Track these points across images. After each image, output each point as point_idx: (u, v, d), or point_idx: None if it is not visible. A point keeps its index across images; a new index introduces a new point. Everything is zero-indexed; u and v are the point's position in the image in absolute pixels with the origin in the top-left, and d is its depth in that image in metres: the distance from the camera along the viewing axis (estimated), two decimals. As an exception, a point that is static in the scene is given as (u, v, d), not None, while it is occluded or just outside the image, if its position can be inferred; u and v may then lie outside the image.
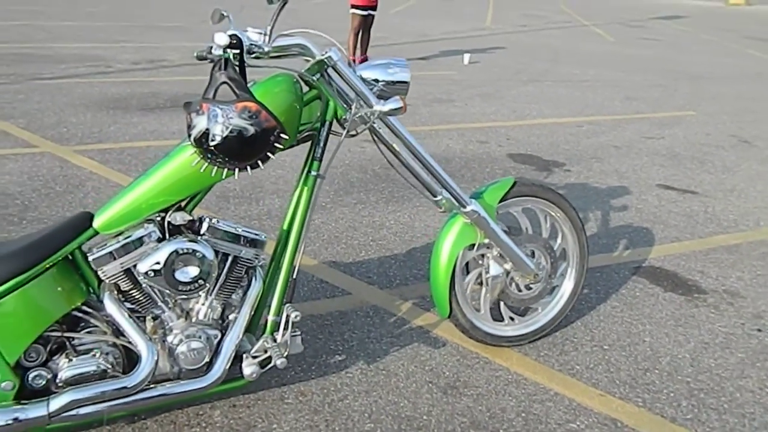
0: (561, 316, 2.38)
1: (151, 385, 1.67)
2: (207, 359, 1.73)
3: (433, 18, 15.45)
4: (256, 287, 1.82)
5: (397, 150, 2.02)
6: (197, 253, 1.67)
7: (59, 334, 1.66)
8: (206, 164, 1.63)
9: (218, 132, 1.53)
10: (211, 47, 1.66)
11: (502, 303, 2.31)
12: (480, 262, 2.23)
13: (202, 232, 1.73)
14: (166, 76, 7.08)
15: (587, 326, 2.53)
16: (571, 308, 2.42)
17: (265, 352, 1.81)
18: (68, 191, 3.62)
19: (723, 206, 4.01)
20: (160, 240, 1.70)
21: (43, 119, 5.06)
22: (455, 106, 6.37)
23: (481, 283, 2.25)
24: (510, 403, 2.05)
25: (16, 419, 1.52)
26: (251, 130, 1.55)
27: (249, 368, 1.76)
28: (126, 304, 1.70)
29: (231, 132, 1.53)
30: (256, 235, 1.79)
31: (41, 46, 8.47)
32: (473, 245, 2.17)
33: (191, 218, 1.75)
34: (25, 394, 1.62)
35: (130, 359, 1.74)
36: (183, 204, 1.76)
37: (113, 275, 1.66)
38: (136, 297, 1.70)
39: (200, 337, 1.73)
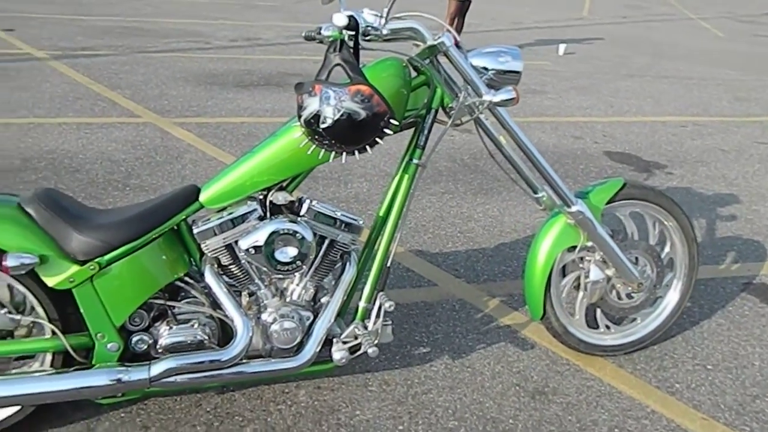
0: (662, 329, 2.23)
1: (244, 361, 1.70)
2: (299, 340, 1.74)
3: (528, 5, 14.97)
4: (350, 272, 1.80)
5: (501, 142, 1.94)
6: (297, 234, 1.67)
7: (162, 302, 1.71)
8: (313, 146, 1.62)
9: (329, 114, 1.51)
10: (320, 28, 1.64)
11: (598, 310, 2.19)
12: (580, 265, 2.12)
13: (301, 213, 1.73)
14: (261, 54, 7.24)
15: (689, 343, 2.36)
16: (674, 322, 2.26)
17: (355, 338, 1.80)
18: (167, 162, 3.77)
19: None
20: (261, 218, 1.71)
21: (147, 91, 5.30)
22: (549, 98, 6.14)
23: (578, 287, 2.14)
24: (602, 416, 1.95)
25: (119, 380, 1.59)
26: (362, 114, 1.52)
27: (339, 353, 1.76)
28: (224, 278, 1.73)
29: (342, 115, 1.51)
30: (354, 220, 1.77)
31: (148, 20, 8.87)
32: (574, 247, 2.06)
33: (292, 199, 1.75)
34: (127, 356, 1.69)
35: (224, 332, 1.78)
36: (285, 184, 1.77)
37: (215, 249, 1.69)
38: (235, 272, 1.72)
39: (293, 318, 1.74)
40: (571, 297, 2.18)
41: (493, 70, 1.85)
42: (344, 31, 1.55)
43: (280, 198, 1.73)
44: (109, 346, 1.64)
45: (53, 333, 1.62)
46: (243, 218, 1.69)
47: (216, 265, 1.72)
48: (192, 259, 1.77)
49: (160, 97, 5.12)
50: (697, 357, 2.28)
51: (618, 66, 8.23)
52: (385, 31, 1.66)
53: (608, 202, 2.06)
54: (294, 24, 9.57)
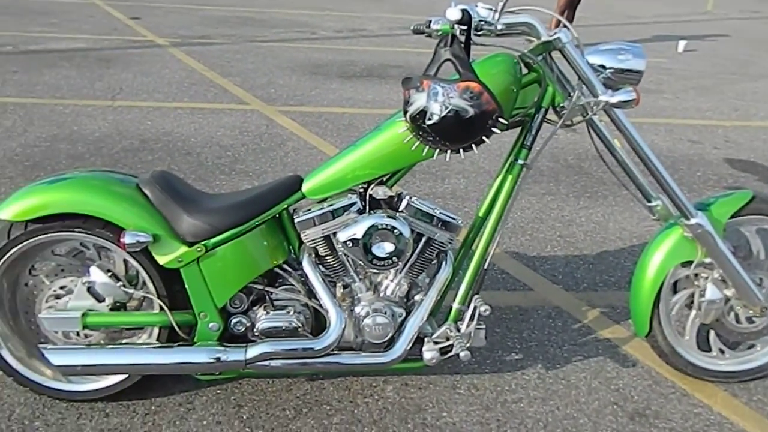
0: (786, 359, 2.02)
1: (335, 352, 1.71)
2: (390, 336, 1.73)
3: (644, -2, 14.12)
4: (445, 271, 1.77)
5: (615, 146, 1.82)
6: (395, 230, 1.65)
7: (261, 287, 1.76)
8: (417, 142, 1.60)
9: (436, 111, 1.47)
10: (430, 21, 1.60)
11: (712, 332, 2.02)
12: (695, 282, 1.96)
13: (400, 208, 1.71)
14: (364, 45, 7.32)
15: (817, 377, 2.12)
16: (800, 353, 2.04)
17: (447, 339, 1.76)
18: (271, 149, 3.89)
19: None
20: (360, 212, 1.71)
21: (255, 79, 5.50)
22: (665, 98, 5.75)
23: (690, 306, 1.98)
24: (710, 448, 1.79)
25: (218, 359, 1.65)
26: (471, 111, 1.47)
27: (429, 353, 1.73)
28: (321, 268, 1.75)
29: (449, 112, 1.47)
30: (453, 218, 1.73)
31: (259, 11, 9.23)
32: (689, 262, 1.90)
33: (392, 194, 1.74)
34: (226, 337, 1.75)
35: (317, 321, 1.80)
36: (385, 179, 1.76)
37: (314, 239, 1.71)
38: (332, 263, 1.74)
39: (386, 313, 1.73)
40: (682, 315, 2.02)
41: (611, 68, 1.74)
42: (456, 26, 1.51)
43: (380, 192, 1.73)
44: (210, 325, 1.71)
45: (161, 308, 1.71)
46: (343, 210, 1.70)
47: (314, 255, 1.75)
48: (291, 247, 1.80)
49: (268, 86, 5.31)
50: (825, 394, 2.04)
51: (745, 65, 7.57)
52: (499, 27, 1.60)
53: (732, 216, 1.89)
54: (399, 16, 9.60)
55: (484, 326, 1.78)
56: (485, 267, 1.79)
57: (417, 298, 1.79)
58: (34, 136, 3.83)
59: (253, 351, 1.66)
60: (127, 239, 1.59)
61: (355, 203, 1.71)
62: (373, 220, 1.66)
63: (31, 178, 3.23)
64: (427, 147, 1.60)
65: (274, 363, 1.67)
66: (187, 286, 1.68)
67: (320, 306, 1.76)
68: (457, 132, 1.50)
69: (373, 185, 1.74)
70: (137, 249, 1.61)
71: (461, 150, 1.56)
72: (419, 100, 1.50)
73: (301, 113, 4.63)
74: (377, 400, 1.89)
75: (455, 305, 1.80)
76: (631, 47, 1.76)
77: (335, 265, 1.74)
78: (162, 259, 1.65)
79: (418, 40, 7.59)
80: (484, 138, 1.53)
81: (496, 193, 1.79)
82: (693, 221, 1.82)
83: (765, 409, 1.95)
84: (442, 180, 3.54)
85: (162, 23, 7.85)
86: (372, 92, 5.32)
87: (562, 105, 1.76)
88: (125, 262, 1.77)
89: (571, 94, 1.73)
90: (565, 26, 1.70)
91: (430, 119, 1.49)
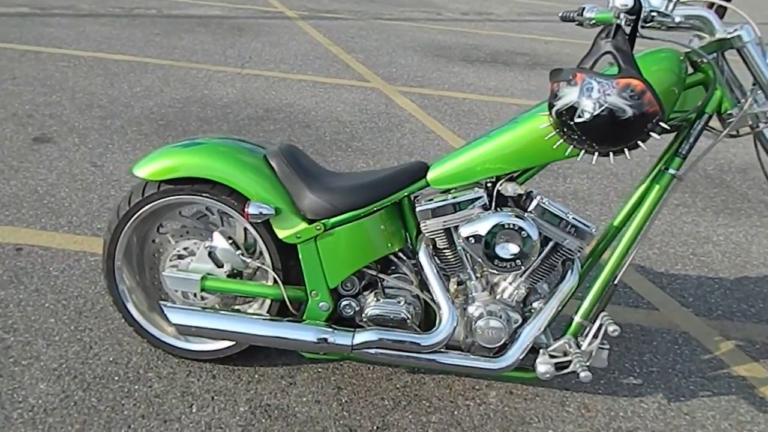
0: None
1: (443, 350, 1.64)
2: (503, 341, 1.63)
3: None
4: (570, 281, 1.63)
5: (787, 163, 1.59)
6: (522, 231, 1.54)
7: (374, 272, 1.72)
8: (560, 140, 1.46)
9: (588, 108, 1.33)
10: (583, 9, 1.45)
11: None
12: None
13: (529, 208, 1.59)
14: (490, 30, 7.09)
15: None
16: None
17: (564, 354, 1.63)
18: (388, 129, 3.86)
19: None
20: (485, 207, 1.61)
21: (378, 57, 5.49)
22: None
23: None
24: None
25: (325, 340, 1.63)
26: (629, 112, 1.32)
27: (544, 366, 1.62)
28: (436, 260, 1.67)
29: (603, 111, 1.32)
30: (586, 225, 1.58)
31: (386, -12, 9.21)
32: None
33: (522, 192, 1.62)
34: (334, 318, 1.73)
35: (427, 315, 1.74)
36: (515, 175, 1.64)
37: (433, 231, 1.63)
38: (449, 257, 1.66)
39: (501, 317, 1.63)
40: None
41: (796, 74, 1.50)
42: (622, 15, 1.35)
43: (510, 189, 1.61)
44: (320, 304, 1.69)
45: (275, 282, 1.71)
46: (467, 204, 1.61)
47: (431, 247, 1.67)
48: (408, 236, 1.74)
49: (389, 65, 5.27)
50: None
51: None
52: (677, 19, 1.42)
53: None
54: (528, 1, 9.21)
55: (607, 346, 1.63)
56: (615, 282, 1.64)
57: (535, 305, 1.67)
58: (169, 96, 4.04)
59: (360, 337, 1.63)
60: (251, 209, 1.59)
61: (481, 198, 1.61)
62: (499, 219, 1.55)
63: (164, 136, 3.41)
64: (571, 146, 1.46)
65: (379, 352, 1.63)
66: (301, 263, 1.67)
67: (432, 300, 1.69)
68: (609, 133, 1.35)
69: (502, 181, 1.63)
70: (259, 220, 1.61)
71: (611, 153, 1.41)
72: (570, 95, 1.36)
73: (421, 95, 4.55)
74: (479, 404, 1.81)
75: (577, 318, 1.66)
76: None
77: (452, 260, 1.66)
78: (281, 233, 1.65)
79: (546, 27, 7.24)
80: (639, 142, 1.37)
81: (637, 202, 1.62)
82: None
83: None
84: (564, 179, 3.34)
85: (293, -4, 8.03)
86: (495, 79, 5.14)
87: (729, 112, 1.55)
88: (245, 230, 1.79)
89: (741, 100, 1.52)
90: (747, 23, 1.49)
91: (579, 117, 1.35)
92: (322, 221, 1.64)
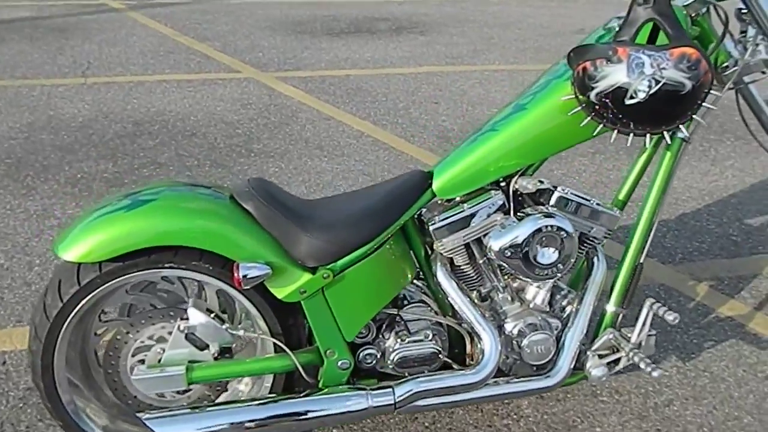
0: None
1: (492, 380, 1.43)
2: (552, 354, 1.46)
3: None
4: (600, 270, 1.51)
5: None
6: (560, 232, 1.36)
7: (390, 310, 1.45)
8: (588, 118, 1.29)
9: (643, 87, 1.17)
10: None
11: None
12: None
13: (551, 203, 1.42)
14: (340, -3, 6.80)
15: None
16: None
17: (613, 350, 1.51)
18: (284, 122, 3.49)
19: None
20: (506, 212, 1.41)
21: (237, 42, 4.98)
22: None
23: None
24: None
25: (364, 407, 1.34)
26: (688, 84, 1.17)
27: (598, 369, 1.48)
28: (453, 280, 1.45)
29: (661, 87, 1.16)
30: (611, 211, 1.45)
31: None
32: None
33: (542, 186, 1.43)
34: (354, 373, 1.44)
35: (451, 338, 1.51)
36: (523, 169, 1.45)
37: (453, 248, 1.40)
38: (468, 274, 1.44)
39: (543, 328, 1.46)
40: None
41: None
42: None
43: (528, 185, 1.42)
44: (340, 363, 1.39)
45: (276, 350, 1.38)
46: (487, 212, 1.39)
47: (448, 266, 1.44)
48: (417, 258, 1.49)
49: (253, 49, 4.81)
50: None
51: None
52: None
53: None
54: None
55: (654, 332, 1.54)
56: (641, 260, 1.53)
57: (564, 303, 1.53)
58: (6, 126, 3.29)
59: (401, 390, 1.36)
60: (241, 273, 1.24)
61: (497, 201, 1.41)
62: (535, 224, 1.36)
63: (18, 177, 2.75)
64: (600, 125, 1.30)
65: (427, 401, 1.38)
66: (309, 321, 1.36)
67: (458, 324, 1.47)
68: (664, 111, 1.20)
69: (516, 177, 1.44)
70: (254, 284, 1.26)
71: (666, 133, 1.26)
72: (614, 74, 1.18)
73: (301, 79, 4.19)
74: (517, 420, 1.64)
75: (611, 308, 1.54)
76: None
77: (473, 276, 1.45)
78: (280, 292, 1.31)
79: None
80: (692, 116, 1.24)
81: (641, 171, 1.52)
82: None
83: None
84: (560, 160, 3.11)
85: (109, -17, 7.06)
86: (367, 50, 4.90)
87: (725, 64, 1.47)
88: (218, 295, 1.43)
89: (740, 48, 1.45)
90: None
91: (633, 98, 1.18)
92: (328, 267, 1.33)
